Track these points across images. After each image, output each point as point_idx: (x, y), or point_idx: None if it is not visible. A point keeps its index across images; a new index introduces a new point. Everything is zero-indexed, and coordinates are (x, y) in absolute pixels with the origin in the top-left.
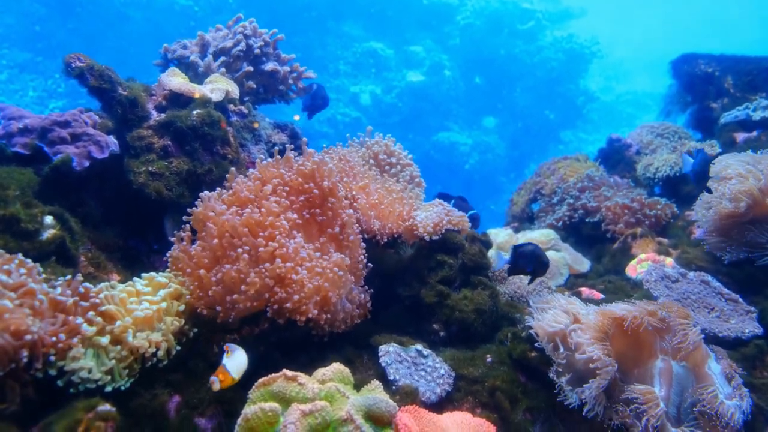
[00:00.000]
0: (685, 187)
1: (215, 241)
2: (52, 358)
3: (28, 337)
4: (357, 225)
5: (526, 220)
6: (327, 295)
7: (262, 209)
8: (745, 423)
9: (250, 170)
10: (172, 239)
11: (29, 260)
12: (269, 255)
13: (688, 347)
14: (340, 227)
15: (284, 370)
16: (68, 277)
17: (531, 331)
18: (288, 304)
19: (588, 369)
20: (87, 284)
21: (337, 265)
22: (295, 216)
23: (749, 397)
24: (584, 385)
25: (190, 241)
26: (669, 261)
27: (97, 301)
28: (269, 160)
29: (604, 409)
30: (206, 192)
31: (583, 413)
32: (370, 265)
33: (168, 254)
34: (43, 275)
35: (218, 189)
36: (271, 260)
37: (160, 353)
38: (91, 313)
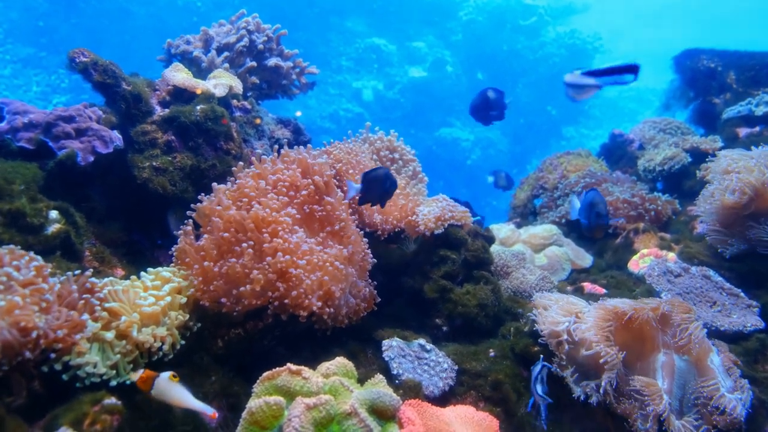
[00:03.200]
0: (687, 181)
1: (222, 234)
2: (53, 355)
3: (35, 333)
4: (358, 219)
5: (528, 215)
6: (330, 289)
7: (265, 207)
8: (746, 416)
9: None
10: (178, 233)
11: (39, 257)
12: (273, 250)
13: (691, 342)
14: (340, 222)
15: (288, 364)
16: (77, 272)
17: (535, 327)
18: (287, 300)
19: (591, 363)
20: (94, 279)
21: (336, 258)
22: (295, 211)
23: (750, 390)
24: (594, 381)
25: (195, 235)
26: (671, 256)
27: (102, 296)
28: (270, 156)
29: (608, 402)
30: (220, 185)
31: (588, 405)
32: (375, 260)
33: (173, 248)
34: (49, 271)
35: (228, 183)
36: (275, 255)
37: (165, 347)
38: (97, 308)
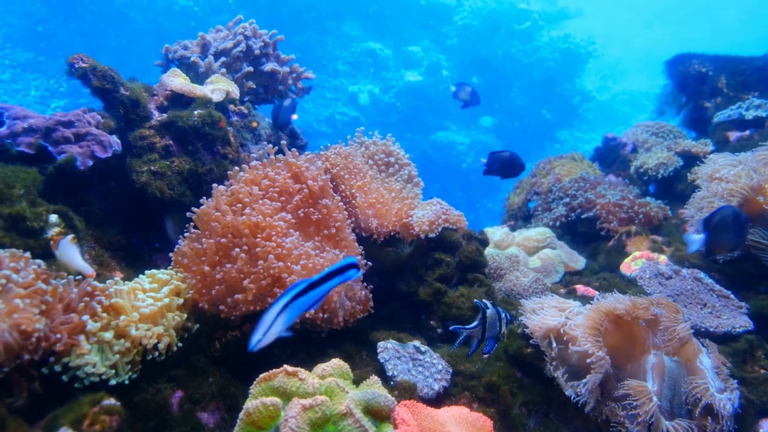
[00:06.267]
0: (679, 185)
1: (221, 239)
2: (52, 359)
3: (36, 335)
4: (354, 223)
5: (522, 218)
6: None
7: (258, 213)
8: (736, 416)
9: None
10: (180, 237)
11: (41, 261)
12: (265, 254)
13: (679, 342)
14: (336, 226)
15: (285, 366)
16: (78, 276)
17: (526, 330)
18: None
19: (582, 363)
20: (95, 282)
21: (332, 263)
22: (289, 216)
23: (738, 390)
24: (583, 380)
25: (197, 239)
26: (663, 258)
27: (102, 298)
28: (260, 161)
29: (597, 402)
30: (220, 186)
31: (579, 406)
32: (369, 263)
33: (172, 252)
34: (50, 274)
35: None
36: (267, 259)
37: (161, 346)
38: (98, 308)
